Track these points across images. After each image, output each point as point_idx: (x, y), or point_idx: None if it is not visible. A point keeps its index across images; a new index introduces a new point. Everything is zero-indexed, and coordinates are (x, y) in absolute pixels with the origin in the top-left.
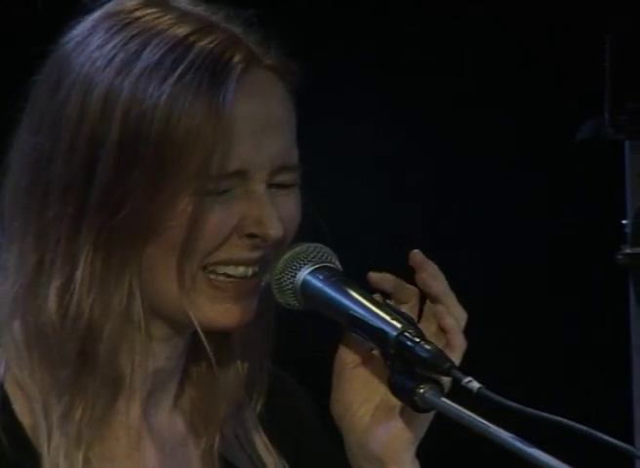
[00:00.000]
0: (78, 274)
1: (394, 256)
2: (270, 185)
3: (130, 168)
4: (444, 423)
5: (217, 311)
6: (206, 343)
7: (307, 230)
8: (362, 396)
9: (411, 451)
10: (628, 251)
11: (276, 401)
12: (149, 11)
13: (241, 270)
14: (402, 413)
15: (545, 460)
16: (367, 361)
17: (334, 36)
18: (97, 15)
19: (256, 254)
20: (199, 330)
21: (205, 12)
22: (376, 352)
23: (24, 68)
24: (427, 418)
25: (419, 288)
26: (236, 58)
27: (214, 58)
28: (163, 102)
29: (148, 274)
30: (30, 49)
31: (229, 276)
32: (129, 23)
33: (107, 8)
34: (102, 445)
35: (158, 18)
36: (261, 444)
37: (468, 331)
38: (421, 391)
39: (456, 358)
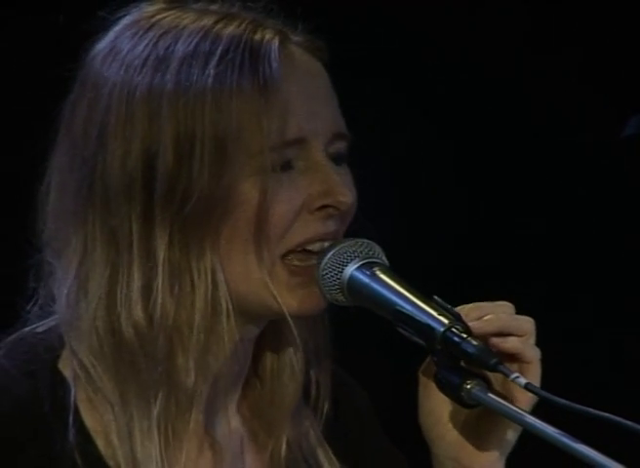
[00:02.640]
0: (159, 270)
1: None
2: (328, 157)
3: (190, 157)
4: None
5: (297, 297)
6: (294, 328)
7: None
8: (450, 409)
9: (501, 463)
10: None
11: (337, 402)
12: (168, 13)
13: (318, 246)
14: (491, 426)
15: (593, 456)
16: None
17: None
18: (116, 28)
19: (330, 227)
20: (286, 313)
21: (220, 8)
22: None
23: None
24: (516, 431)
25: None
26: (269, 36)
27: (248, 38)
28: (210, 86)
29: (228, 261)
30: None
31: (308, 252)
32: (152, 26)
33: (125, 20)
34: (167, 452)
35: (178, 17)
36: (324, 453)
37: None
38: (468, 387)
39: (535, 371)
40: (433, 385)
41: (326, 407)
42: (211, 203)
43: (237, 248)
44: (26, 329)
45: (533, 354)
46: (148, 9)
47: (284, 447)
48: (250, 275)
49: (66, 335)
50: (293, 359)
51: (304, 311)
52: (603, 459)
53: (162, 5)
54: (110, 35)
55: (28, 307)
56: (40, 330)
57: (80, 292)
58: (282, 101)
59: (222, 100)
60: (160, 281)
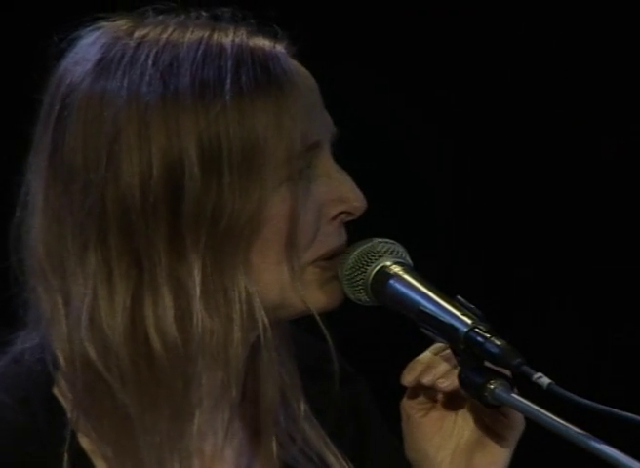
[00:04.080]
0: (196, 290)
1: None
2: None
3: (219, 173)
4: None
5: (327, 291)
6: (323, 327)
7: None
8: (436, 443)
9: None
10: None
11: (335, 394)
12: (147, 30)
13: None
14: (481, 454)
15: (617, 457)
16: (434, 408)
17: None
18: (92, 49)
19: (344, 235)
20: (316, 315)
21: (194, 20)
22: (441, 397)
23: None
24: (507, 455)
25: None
26: (267, 45)
27: (253, 48)
28: (230, 99)
29: (258, 273)
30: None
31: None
32: (140, 43)
33: (97, 40)
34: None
35: (161, 32)
36: (320, 441)
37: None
38: (492, 387)
39: (519, 421)
40: (415, 421)
41: (302, 404)
42: (243, 218)
43: (269, 260)
44: (17, 348)
45: None
46: (117, 26)
47: (274, 445)
48: (282, 283)
49: (68, 360)
50: (267, 359)
51: (330, 306)
52: (628, 460)
53: (128, 22)
54: (90, 55)
55: (16, 331)
56: (30, 349)
57: (99, 318)
58: (300, 106)
59: (246, 112)
60: (196, 303)
